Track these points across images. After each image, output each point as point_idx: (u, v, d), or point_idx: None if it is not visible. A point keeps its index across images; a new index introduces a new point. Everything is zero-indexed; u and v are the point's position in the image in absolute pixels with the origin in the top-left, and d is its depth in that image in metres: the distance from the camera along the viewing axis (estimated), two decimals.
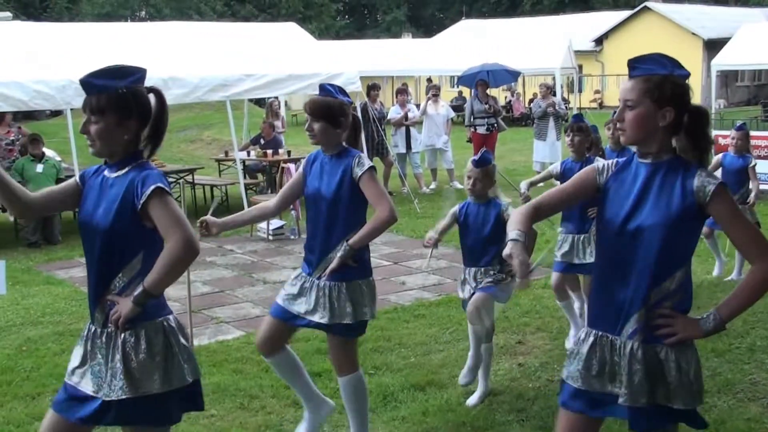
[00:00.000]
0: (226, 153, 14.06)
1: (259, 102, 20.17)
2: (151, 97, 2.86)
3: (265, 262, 8.78)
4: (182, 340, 2.84)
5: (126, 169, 2.79)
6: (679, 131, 2.62)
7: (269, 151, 12.67)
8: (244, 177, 12.21)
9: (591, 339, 2.71)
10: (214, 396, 4.92)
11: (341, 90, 3.90)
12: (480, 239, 4.56)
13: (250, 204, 10.84)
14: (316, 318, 3.80)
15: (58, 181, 10.33)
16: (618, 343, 2.65)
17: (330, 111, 3.79)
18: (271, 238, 9.95)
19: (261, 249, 9.49)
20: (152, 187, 2.70)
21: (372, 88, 13.13)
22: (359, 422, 4.02)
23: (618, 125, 2.66)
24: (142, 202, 2.70)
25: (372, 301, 3.91)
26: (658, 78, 2.58)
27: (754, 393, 4.67)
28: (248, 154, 13.18)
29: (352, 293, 3.80)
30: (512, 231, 2.63)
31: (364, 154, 3.90)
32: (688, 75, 2.65)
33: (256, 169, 13.30)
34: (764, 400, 4.56)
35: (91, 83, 2.74)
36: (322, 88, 3.88)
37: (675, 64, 2.62)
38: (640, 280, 2.61)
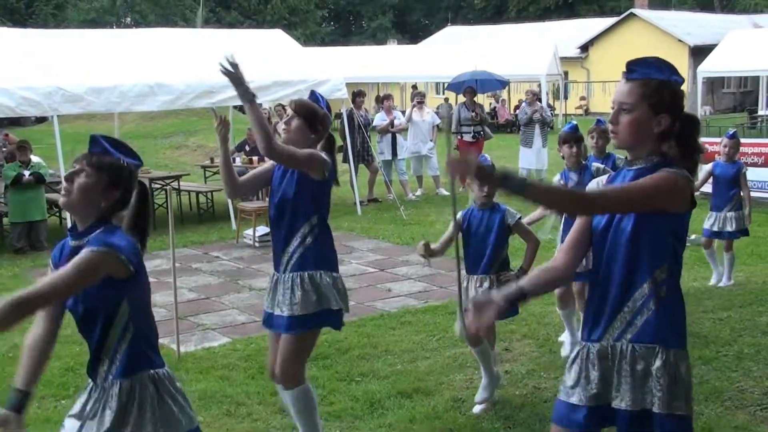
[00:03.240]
0: (212, 159, 14.03)
1: (243, 109, 20.11)
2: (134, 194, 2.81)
3: (251, 269, 8.76)
4: (172, 390, 2.79)
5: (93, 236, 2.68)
6: (670, 138, 2.61)
7: (255, 158, 12.65)
8: None
9: (583, 353, 2.70)
10: (201, 403, 4.92)
11: (328, 105, 4.01)
12: (484, 246, 4.57)
13: (236, 211, 10.84)
14: (278, 311, 3.83)
15: (46, 188, 10.31)
16: (607, 348, 2.65)
17: (313, 115, 3.88)
18: (257, 244, 9.92)
19: (247, 256, 9.47)
20: (92, 245, 2.56)
21: (357, 94, 13.14)
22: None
23: (611, 128, 2.64)
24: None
25: (340, 295, 3.89)
26: (656, 83, 2.55)
27: (742, 401, 4.70)
28: (233, 160, 13.13)
29: (317, 283, 3.81)
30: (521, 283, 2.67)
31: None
32: (683, 82, 2.64)
33: (242, 175, 13.26)
34: (752, 408, 4.60)
35: (100, 142, 2.74)
36: (313, 94, 3.98)
37: (672, 70, 2.60)
38: (618, 281, 2.62)
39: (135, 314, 2.70)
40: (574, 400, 2.68)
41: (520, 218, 4.60)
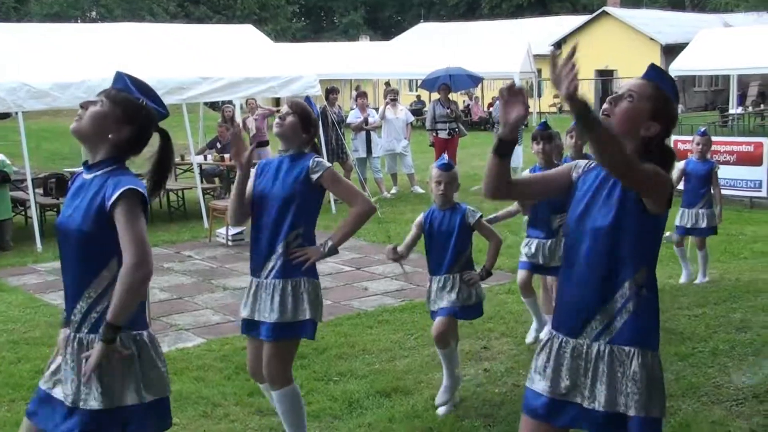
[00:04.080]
0: (182, 157, 13.86)
1: (213, 105, 19.99)
2: (156, 137, 2.87)
3: (224, 269, 8.65)
4: (154, 356, 2.79)
5: (103, 170, 2.75)
6: (649, 151, 2.62)
7: (226, 155, 12.52)
8: (201, 181, 12.05)
9: (555, 343, 2.71)
10: (176, 404, 4.83)
11: (318, 112, 4.15)
12: (446, 246, 4.53)
13: (207, 209, 10.71)
14: (259, 317, 3.79)
15: (10, 186, 10.09)
16: (583, 347, 2.64)
17: (308, 115, 3.94)
18: (230, 243, 9.81)
19: (220, 255, 9.36)
20: (123, 189, 2.64)
21: (331, 91, 13.05)
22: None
23: (607, 107, 2.66)
24: (110, 203, 2.64)
25: (317, 303, 3.87)
26: (666, 96, 2.63)
27: (718, 396, 4.72)
28: (205, 158, 13.02)
29: (300, 291, 3.79)
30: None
31: (322, 157, 3.95)
32: (676, 108, 2.74)
33: (213, 173, 13.14)
34: (728, 403, 4.61)
35: (123, 79, 2.80)
36: (308, 99, 4.09)
37: (676, 98, 2.69)
38: (597, 280, 2.61)
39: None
40: (537, 387, 2.71)
41: (480, 217, 4.57)
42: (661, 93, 2.63)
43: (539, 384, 2.71)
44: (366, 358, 5.63)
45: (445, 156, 4.69)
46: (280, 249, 3.77)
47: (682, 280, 7.45)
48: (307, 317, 3.79)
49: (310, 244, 3.84)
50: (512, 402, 4.75)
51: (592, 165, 2.75)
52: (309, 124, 3.92)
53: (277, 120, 3.92)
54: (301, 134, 3.90)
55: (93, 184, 2.73)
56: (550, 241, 5.40)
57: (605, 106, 2.68)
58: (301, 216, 3.80)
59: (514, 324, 6.18)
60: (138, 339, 2.74)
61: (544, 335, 5.76)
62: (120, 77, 2.80)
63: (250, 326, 3.89)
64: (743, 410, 4.51)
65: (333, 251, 3.85)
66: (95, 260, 2.70)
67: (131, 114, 2.74)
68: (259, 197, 3.87)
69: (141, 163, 2.89)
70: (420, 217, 4.64)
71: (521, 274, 5.60)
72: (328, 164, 3.88)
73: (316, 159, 3.85)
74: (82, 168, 2.84)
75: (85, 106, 2.74)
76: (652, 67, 2.70)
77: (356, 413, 4.68)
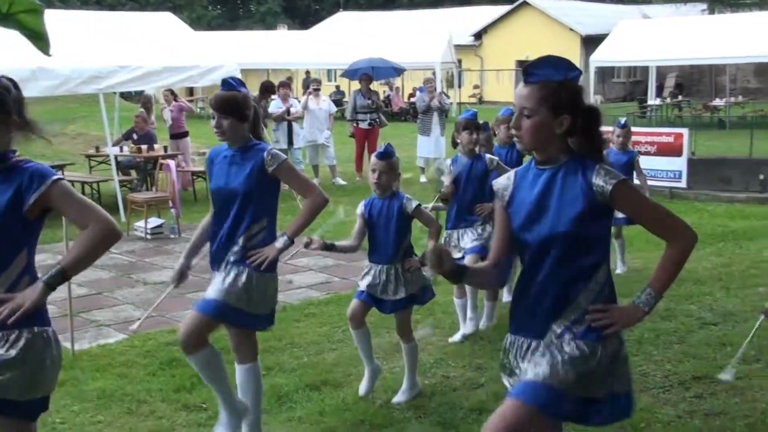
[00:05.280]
0: (97, 148, 13.47)
1: (125, 95, 19.50)
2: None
3: (144, 263, 8.44)
4: (55, 354, 2.72)
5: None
6: (574, 134, 2.63)
7: (143, 147, 12.20)
8: (117, 173, 11.72)
9: (514, 347, 2.72)
10: (100, 402, 4.73)
11: (241, 82, 3.93)
12: (386, 234, 4.52)
13: (125, 201, 10.42)
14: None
15: None
16: (549, 346, 2.65)
17: (237, 106, 3.81)
18: (149, 237, 9.57)
19: (139, 249, 9.12)
20: (49, 181, 2.61)
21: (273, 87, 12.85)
22: (256, 407, 4.06)
23: (515, 132, 2.66)
24: (35, 197, 2.60)
25: (276, 295, 3.99)
26: (554, 85, 2.58)
27: (645, 384, 4.84)
28: (121, 149, 12.65)
29: (265, 285, 3.86)
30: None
31: (274, 148, 3.92)
32: (580, 74, 2.68)
33: (129, 165, 12.79)
34: (655, 391, 4.75)
35: None
36: (225, 82, 3.90)
37: (568, 66, 2.63)
38: (561, 282, 2.62)
39: (29, 267, 2.67)
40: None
41: (419, 205, 4.58)
42: (549, 87, 2.58)
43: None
44: (294, 352, 5.59)
45: (387, 145, 4.64)
46: (240, 242, 3.80)
47: (618, 271, 7.61)
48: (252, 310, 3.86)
49: (272, 235, 3.87)
50: (442, 393, 4.79)
51: (519, 175, 2.75)
52: (242, 112, 3.80)
53: (214, 130, 3.84)
54: (242, 126, 3.82)
55: None
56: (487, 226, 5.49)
57: (513, 132, 2.68)
58: (261, 209, 3.82)
59: (441, 315, 6.22)
60: (44, 336, 2.68)
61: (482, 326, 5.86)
62: None
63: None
64: (670, 397, 4.65)
65: (288, 244, 3.86)
66: (7, 252, 2.64)
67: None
68: (217, 193, 3.87)
69: None
70: (360, 206, 4.62)
71: (473, 259, 5.63)
72: (284, 156, 3.86)
73: (271, 151, 3.83)
74: None
75: None
76: (527, 69, 2.63)
77: (286, 407, 4.64)
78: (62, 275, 2.62)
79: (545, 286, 2.64)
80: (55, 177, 2.63)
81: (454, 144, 5.68)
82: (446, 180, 5.44)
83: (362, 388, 4.75)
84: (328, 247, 4.40)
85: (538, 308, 2.66)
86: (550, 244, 2.61)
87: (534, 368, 2.61)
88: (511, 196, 2.73)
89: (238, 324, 3.90)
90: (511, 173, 2.79)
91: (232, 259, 3.81)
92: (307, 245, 4.29)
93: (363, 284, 4.59)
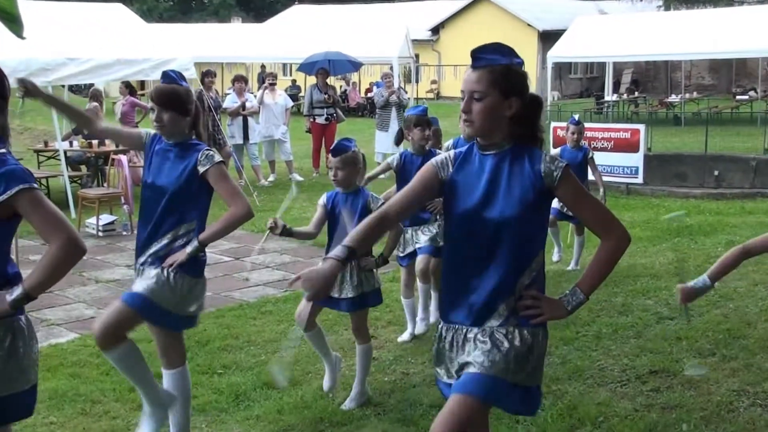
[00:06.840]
0: (46, 143, 13.14)
1: (72, 88, 19.08)
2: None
3: (96, 260, 8.25)
4: (30, 343, 2.65)
5: None
6: (520, 120, 2.64)
7: (94, 141, 11.94)
8: (67, 169, 11.45)
9: (450, 335, 2.71)
10: (52, 402, 4.61)
11: (182, 76, 3.84)
12: (348, 229, 4.44)
13: (75, 197, 10.18)
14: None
15: None
16: (488, 335, 2.65)
17: (179, 99, 3.72)
18: (101, 234, 9.36)
19: (91, 246, 8.88)
20: (17, 188, 2.53)
21: (207, 74, 12.60)
22: (184, 415, 3.93)
23: (465, 116, 2.64)
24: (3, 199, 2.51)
25: (200, 299, 3.85)
26: (502, 68, 2.60)
27: (603, 378, 4.87)
28: (71, 144, 12.37)
29: (189, 287, 3.74)
30: (341, 245, 2.59)
31: (213, 149, 3.80)
32: (522, 63, 2.70)
33: (80, 160, 12.50)
34: (612, 385, 4.77)
35: None
36: (166, 75, 3.81)
37: (513, 53, 2.66)
38: (504, 269, 2.62)
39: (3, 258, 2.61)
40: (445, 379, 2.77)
41: (383, 204, 4.52)
42: (498, 70, 2.59)
43: (444, 377, 2.78)
44: (251, 350, 5.51)
45: (341, 140, 4.56)
46: (165, 240, 3.70)
47: (555, 258, 7.67)
48: (193, 311, 3.79)
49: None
50: (402, 390, 4.75)
51: (461, 156, 2.73)
52: (183, 106, 3.71)
53: (154, 124, 3.73)
54: (184, 120, 3.74)
55: None
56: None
57: (463, 116, 2.65)
58: (190, 210, 3.73)
59: (400, 312, 6.17)
60: (15, 325, 2.60)
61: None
62: None
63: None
64: (627, 391, 4.68)
65: (198, 250, 3.71)
66: None
67: None
68: (148, 187, 3.77)
69: None
70: (323, 198, 4.52)
71: (426, 260, 5.59)
72: (219, 159, 3.74)
73: (206, 152, 3.72)
74: None
75: None
76: (474, 54, 2.63)
77: (243, 406, 4.58)
78: (27, 298, 2.53)
79: (487, 272, 2.63)
80: (23, 186, 2.53)
81: (400, 140, 5.67)
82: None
83: (326, 383, 4.67)
84: (288, 232, 4.28)
85: (477, 295, 2.65)
86: (499, 228, 2.61)
87: (476, 359, 2.60)
88: (452, 176, 2.71)
89: (159, 322, 3.77)
90: (450, 152, 2.79)
91: (156, 256, 3.71)
92: (271, 229, 4.17)
93: None
